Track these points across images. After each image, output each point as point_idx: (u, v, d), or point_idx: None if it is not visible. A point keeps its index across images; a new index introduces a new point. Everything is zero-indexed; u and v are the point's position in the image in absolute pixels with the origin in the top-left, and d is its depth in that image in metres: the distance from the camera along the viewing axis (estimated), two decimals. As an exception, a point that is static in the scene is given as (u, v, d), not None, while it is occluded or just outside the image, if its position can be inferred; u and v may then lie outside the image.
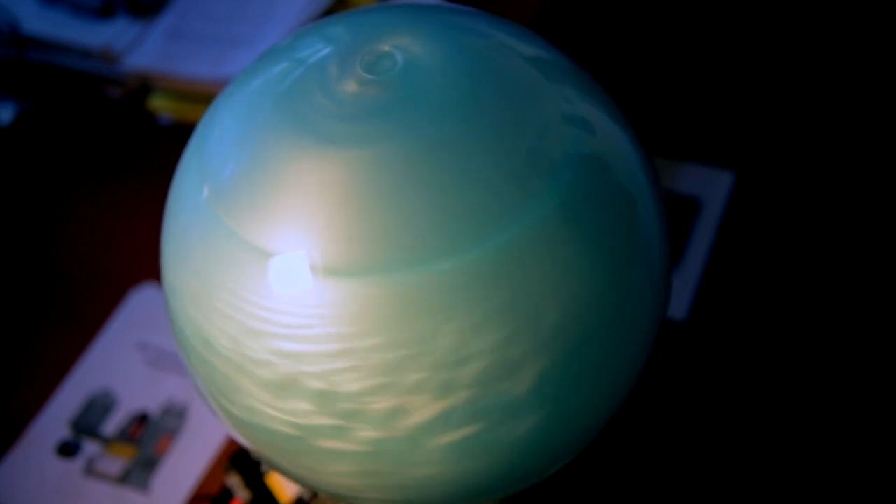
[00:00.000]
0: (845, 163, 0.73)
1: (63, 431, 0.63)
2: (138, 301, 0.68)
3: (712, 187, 0.71)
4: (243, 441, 0.37)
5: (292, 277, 0.32)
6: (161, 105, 0.79)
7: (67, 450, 0.62)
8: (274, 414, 0.33)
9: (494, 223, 0.31)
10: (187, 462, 0.60)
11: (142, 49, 0.80)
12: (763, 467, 0.58)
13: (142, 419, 0.62)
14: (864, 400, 0.60)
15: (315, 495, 0.52)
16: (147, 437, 0.61)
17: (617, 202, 0.34)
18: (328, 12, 0.78)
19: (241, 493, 0.54)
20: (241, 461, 0.54)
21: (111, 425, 0.63)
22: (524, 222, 0.31)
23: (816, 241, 0.68)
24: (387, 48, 0.34)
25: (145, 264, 0.68)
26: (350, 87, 0.33)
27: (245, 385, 0.33)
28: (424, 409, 0.32)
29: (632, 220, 0.34)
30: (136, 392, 0.64)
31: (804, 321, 0.64)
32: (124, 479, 0.60)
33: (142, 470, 0.60)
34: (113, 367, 0.65)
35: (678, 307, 0.64)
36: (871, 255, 0.67)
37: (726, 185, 0.71)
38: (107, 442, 0.62)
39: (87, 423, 0.63)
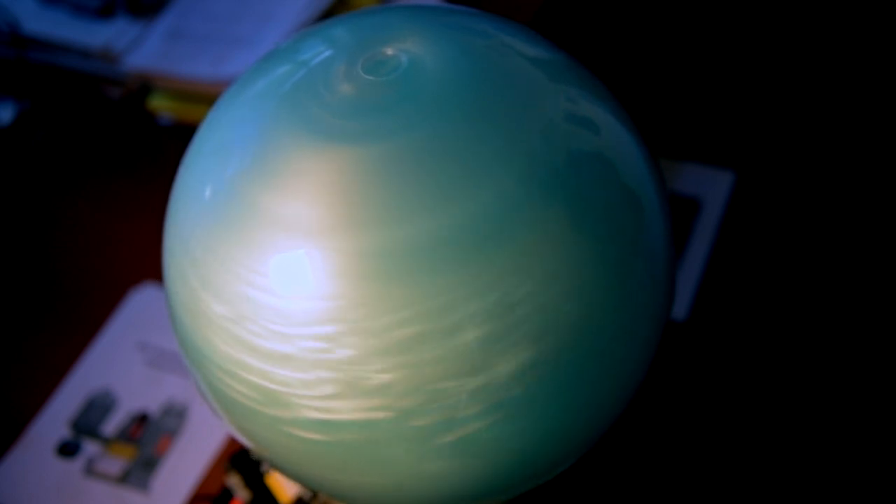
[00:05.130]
0: (845, 162, 0.73)
1: (63, 431, 0.63)
2: (138, 301, 0.68)
3: (712, 187, 0.71)
4: (243, 439, 0.37)
5: (296, 271, 0.32)
6: (161, 105, 0.79)
7: (67, 450, 0.62)
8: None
9: (498, 223, 0.31)
10: (187, 462, 0.60)
11: (142, 49, 0.80)
12: (763, 467, 0.58)
13: (142, 419, 0.62)
14: (864, 400, 0.60)
15: (315, 495, 0.52)
16: (147, 437, 0.61)
17: (621, 201, 0.34)
18: (329, 13, 0.78)
19: (241, 493, 0.54)
20: (241, 461, 0.54)
21: (111, 425, 0.63)
22: (528, 222, 0.31)
23: (816, 241, 0.68)
24: (389, 50, 0.34)
25: (145, 264, 0.68)
26: (353, 87, 0.33)
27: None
28: (433, 411, 0.32)
29: (636, 219, 0.34)
30: (136, 392, 0.64)
31: (804, 321, 0.64)
32: (124, 479, 0.60)
33: (142, 470, 0.60)
34: (113, 367, 0.65)
35: (678, 307, 0.64)
36: (870, 254, 0.67)
37: (726, 185, 0.71)
38: (107, 442, 0.62)
39: (87, 423, 0.63)
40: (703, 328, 0.63)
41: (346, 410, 0.32)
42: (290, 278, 0.32)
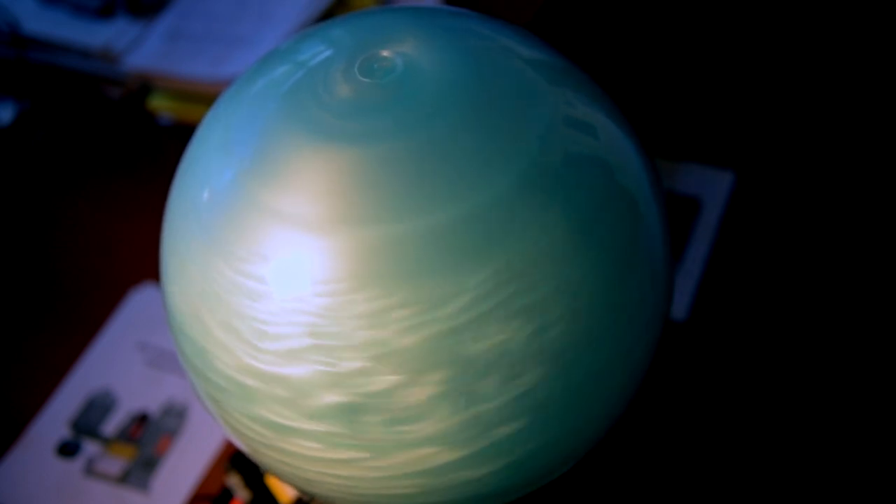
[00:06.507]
0: (845, 162, 0.73)
1: (63, 431, 0.63)
2: (138, 301, 0.68)
3: (712, 187, 0.71)
4: (238, 442, 0.37)
5: (295, 268, 0.32)
6: (161, 105, 0.79)
7: (67, 450, 0.62)
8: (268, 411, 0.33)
9: (495, 223, 0.31)
10: (187, 462, 0.60)
11: (142, 49, 0.80)
12: (763, 467, 0.58)
13: (142, 419, 0.62)
14: (864, 400, 0.60)
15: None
16: (147, 437, 0.61)
17: (619, 203, 0.34)
18: (328, 13, 0.78)
19: (241, 493, 0.54)
20: (241, 461, 0.54)
21: (111, 425, 0.63)
22: (525, 223, 0.31)
23: (816, 241, 0.68)
24: (387, 52, 0.34)
25: (145, 264, 0.68)
26: (350, 89, 0.33)
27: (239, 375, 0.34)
28: (431, 418, 0.32)
29: (634, 221, 0.34)
30: (136, 392, 0.64)
31: (804, 321, 0.64)
32: (124, 479, 0.60)
33: (142, 470, 0.60)
34: (113, 367, 0.65)
35: (678, 307, 0.64)
36: (870, 254, 0.67)
37: (726, 185, 0.71)
38: (107, 442, 0.62)
39: (87, 423, 0.63)
40: (703, 328, 0.63)
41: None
42: (290, 275, 0.32)
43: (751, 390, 0.61)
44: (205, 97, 0.76)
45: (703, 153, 0.73)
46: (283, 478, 0.37)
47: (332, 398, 0.32)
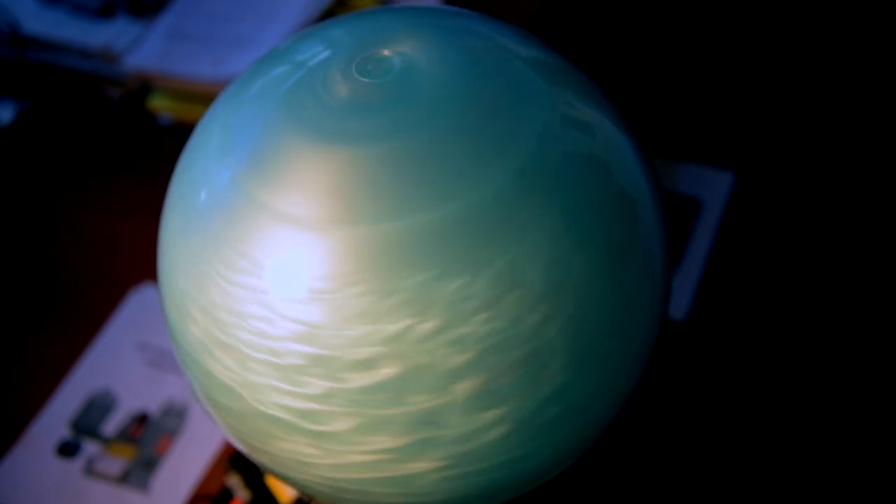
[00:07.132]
0: (845, 162, 0.73)
1: (63, 431, 0.63)
2: (138, 301, 0.68)
3: (712, 187, 0.71)
4: (235, 441, 0.37)
5: (293, 267, 0.32)
6: (161, 105, 0.79)
7: (67, 450, 0.62)
8: (264, 409, 0.33)
9: (492, 222, 0.31)
10: (187, 462, 0.60)
11: (142, 49, 0.80)
12: (763, 467, 0.58)
13: (142, 419, 0.62)
14: (864, 400, 0.60)
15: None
16: (147, 437, 0.61)
17: (616, 203, 0.34)
18: (328, 13, 0.78)
19: (241, 493, 0.54)
20: (241, 461, 0.55)
21: (111, 425, 0.63)
22: (522, 223, 0.31)
23: (816, 241, 0.68)
24: (385, 52, 0.34)
25: (145, 264, 0.68)
26: (349, 89, 0.33)
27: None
28: (426, 408, 0.32)
29: (632, 221, 0.34)
30: (136, 392, 0.64)
31: (804, 321, 0.64)
32: (124, 479, 0.60)
33: (142, 470, 0.60)
34: (113, 367, 0.65)
35: (678, 307, 0.64)
36: (870, 254, 0.67)
37: (726, 185, 0.71)
38: (107, 442, 0.62)
39: (87, 423, 0.63)
40: (702, 328, 0.63)
41: (337, 406, 0.32)
42: (289, 274, 0.32)
43: (750, 390, 0.61)
44: (205, 97, 0.76)
45: (703, 153, 0.73)
46: (281, 478, 0.37)
47: (320, 388, 0.32)
